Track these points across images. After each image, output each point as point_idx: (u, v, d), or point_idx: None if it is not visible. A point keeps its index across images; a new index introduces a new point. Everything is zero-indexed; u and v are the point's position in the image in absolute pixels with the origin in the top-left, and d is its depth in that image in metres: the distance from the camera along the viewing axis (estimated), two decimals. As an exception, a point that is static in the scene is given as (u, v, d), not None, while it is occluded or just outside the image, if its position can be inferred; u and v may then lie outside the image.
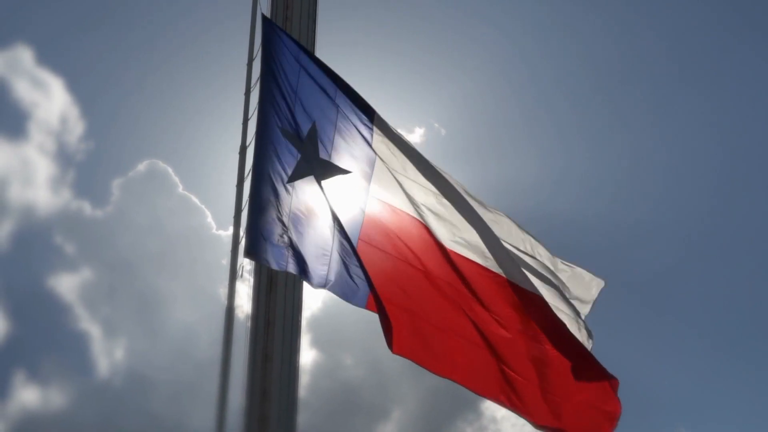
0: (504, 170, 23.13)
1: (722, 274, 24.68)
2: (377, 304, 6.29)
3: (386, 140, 7.16)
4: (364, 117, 7.11)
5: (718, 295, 24.36)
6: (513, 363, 6.95)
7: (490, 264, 7.23)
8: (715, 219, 24.76)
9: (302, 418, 6.70)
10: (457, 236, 7.21)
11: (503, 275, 7.20)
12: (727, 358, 23.59)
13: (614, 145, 25.03)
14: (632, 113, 24.92)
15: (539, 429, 6.94)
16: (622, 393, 7.08)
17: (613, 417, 7.04)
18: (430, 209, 7.20)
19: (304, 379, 6.89)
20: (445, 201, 7.24)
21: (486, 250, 7.23)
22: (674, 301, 24.12)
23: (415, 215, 7.12)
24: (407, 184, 7.18)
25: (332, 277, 6.46)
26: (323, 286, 6.45)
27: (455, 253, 7.15)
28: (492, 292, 7.12)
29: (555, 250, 7.73)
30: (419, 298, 6.87)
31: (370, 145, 7.09)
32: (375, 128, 7.14)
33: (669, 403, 22.60)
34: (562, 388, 7.00)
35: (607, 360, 7.14)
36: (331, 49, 7.82)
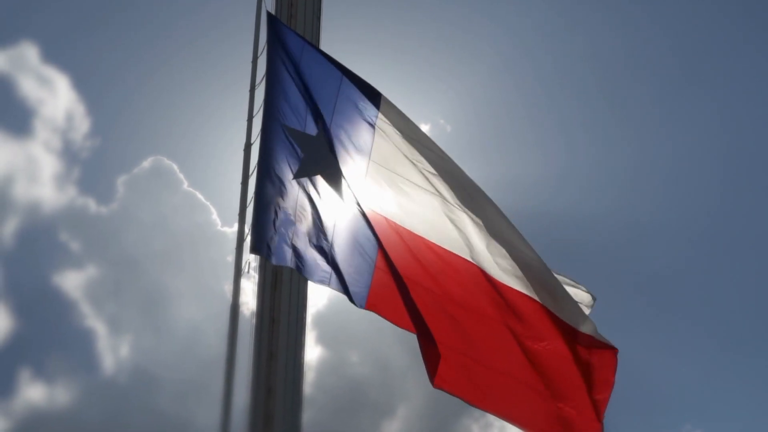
0: (508, 167, 23.14)
1: (728, 272, 24.68)
2: (418, 331, 6.25)
3: (392, 136, 7.10)
4: (370, 112, 7.06)
5: (723, 293, 24.35)
6: (569, 395, 6.87)
7: (523, 286, 7.01)
8: (721, 217, 24.75)
9: (307, 415, 6.70)
10: (495, 260, 6.98)
11: (537, 299, 7.01)
12: (732, 355, 23.58)
13: (619, 142, 25.03)
14: (637, 111, 24.91)
15: None
16: (626, 392, 7.12)
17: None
18: (468, 227, 6.99)
19: (309, 376, 6.90)
20: (477, 219, 7.00)
21: (521, 273, 7.01)
22: (680, 298, 24.11)
23: (420, 234, 6.98)
24: (413, 189, 7.08)
25: (334, 275, 6.46)
26: (325, 283, 6.45)
27: (501, 283, 6.95)
28: (535, 320, 6.96)
29: (558, 248, 7.68)
30: (453, 331, 6.72)
31: (370, 145, 7.05)
32: (380, 121, 7.08)
33: (675, 401, 22.60)
34: (601, 386, 6.97)
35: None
36: (336, 46, 7.82)
